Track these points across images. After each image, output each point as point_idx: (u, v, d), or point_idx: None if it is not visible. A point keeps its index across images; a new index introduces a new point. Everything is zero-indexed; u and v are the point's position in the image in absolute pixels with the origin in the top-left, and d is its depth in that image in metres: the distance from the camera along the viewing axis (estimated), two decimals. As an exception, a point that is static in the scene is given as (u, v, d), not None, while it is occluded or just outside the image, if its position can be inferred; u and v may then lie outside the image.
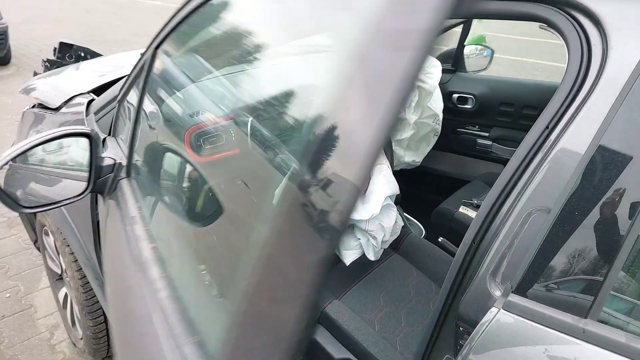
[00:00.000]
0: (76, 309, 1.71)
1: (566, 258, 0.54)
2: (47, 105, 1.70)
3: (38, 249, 2.08)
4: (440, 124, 1.85)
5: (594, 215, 0.53)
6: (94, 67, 2.03)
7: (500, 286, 0.61)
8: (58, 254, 1.73)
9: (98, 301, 1.54)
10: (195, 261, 0.96)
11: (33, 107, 1.85)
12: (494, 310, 0.57)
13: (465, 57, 2.16)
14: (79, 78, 1.83)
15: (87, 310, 1.58)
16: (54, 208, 1.12)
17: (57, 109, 1.62)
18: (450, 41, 2.20)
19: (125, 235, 0.96)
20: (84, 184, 1.10)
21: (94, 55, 2.36)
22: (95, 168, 1.08)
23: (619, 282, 0.52)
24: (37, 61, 6.68)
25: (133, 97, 1.20)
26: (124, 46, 7.36)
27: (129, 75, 1.26)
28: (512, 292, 0.57)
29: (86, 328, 1.62)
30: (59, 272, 1.85)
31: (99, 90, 1.66)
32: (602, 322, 0.51)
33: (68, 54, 2.31)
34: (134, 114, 1.12)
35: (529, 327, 0.54)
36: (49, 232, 1.72)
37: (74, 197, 1.09)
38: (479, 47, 2.20)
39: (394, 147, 1.77)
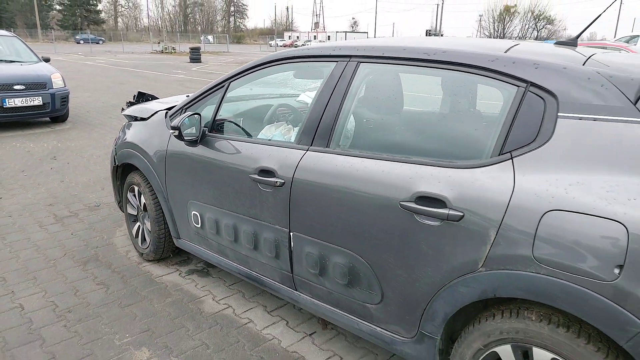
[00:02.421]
0: (147, 226, 3.05)
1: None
2: (138, 116, 3.12)
3: (120, 208, 3.44)
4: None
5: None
6: (158, 101, 3.48)
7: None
8: (139, 199, 3.09)
9: (164, 213, 2.88)
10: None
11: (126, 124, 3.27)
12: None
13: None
14: (152, 106, 3.26)
15: (156, 221, 2.92)
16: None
17: (147, 119, 3.04)
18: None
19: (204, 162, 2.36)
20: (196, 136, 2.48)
21: (155, 98, 3.83)
22: (201, 132, 2.48)
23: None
24: (86, 118, 8.40)
25: (208, 102, 2.59)
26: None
27: (199, 95, 2.67)
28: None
29: (154, 233, 2.95)
30: (135, 213, 3.20)
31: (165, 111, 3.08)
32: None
33: (142, 97, 3.78)
34: (216, 106, 2.50)
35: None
36: (135, 187, 3.08)
37: (195, 138, 2.47)
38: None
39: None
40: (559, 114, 1.51)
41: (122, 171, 3.27)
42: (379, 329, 1.94)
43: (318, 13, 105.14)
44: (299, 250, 2.10)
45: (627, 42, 17.23)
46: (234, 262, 2.53)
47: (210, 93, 2.59)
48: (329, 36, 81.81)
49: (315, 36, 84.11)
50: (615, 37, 19.36)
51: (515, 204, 1.48)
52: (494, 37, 70.09)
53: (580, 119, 1.47)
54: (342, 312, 2.06)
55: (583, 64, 1.56)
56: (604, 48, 14.44)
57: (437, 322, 1.71)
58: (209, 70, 21.36)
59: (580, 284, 1.36)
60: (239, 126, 2.64)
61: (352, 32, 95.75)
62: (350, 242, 1.90)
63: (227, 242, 2.49)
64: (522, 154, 1.53)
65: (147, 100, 3.66)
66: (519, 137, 1.56)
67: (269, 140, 2.32)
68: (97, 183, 4.78)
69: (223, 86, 2.52)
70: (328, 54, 2.15)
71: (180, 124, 2.40)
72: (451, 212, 1.59)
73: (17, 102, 6.86)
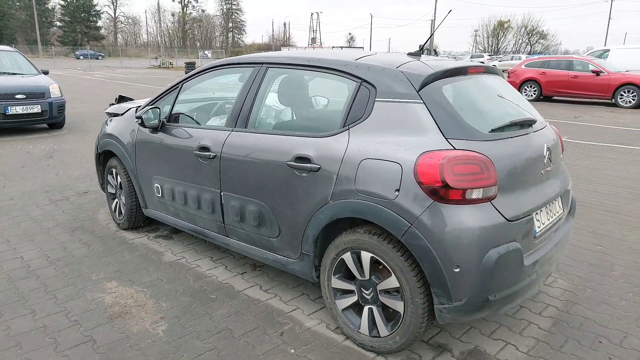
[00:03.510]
0: (122, 200, 3.83)
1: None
2: (116, 113, 3.92)
3: (103, 189, 4.22)
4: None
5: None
6: (134, 102, 4.29)
7: None
8: (116, 179, 3.87)
9: (134, 189, 3.66)
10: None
11: (109, 117, 4.07)
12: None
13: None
14: (128, 105, 4.07)
15: (129, 195, 3.70)
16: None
17: (122, 114, 3.84)
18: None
19: (177, 144, 3.16)
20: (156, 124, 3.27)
21: (132, 100, 4.63)
22: (160, 122, 3.27)
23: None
24: (81, 125, 9.20)
25: (167, 99, 3.39)
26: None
27: (161, 94, 3.48)
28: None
29: (127, 205, 3.74)
30: (114, 192, 3.98)
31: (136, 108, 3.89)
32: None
33: (122, 99, 4.59)
34: (172, 102, 3.31)
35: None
36: (113, 170, 3.87)
37: (156, 126, 3.26)
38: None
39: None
40: (376, 99, 2.32)
41: (104, 158, 4.06)
42: (278, 255, 2.72)
43: (315, 29, 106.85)
44: (227, 205, 2.89)
45: (599, 56, 18.32)
46: (185, 221, 3.32)
47: (169, 92, 3.40)
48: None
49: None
50: (604, 48, 20.57)
51: (346, 158, 2.28)
52: (488, 52, 71.60)
53: (387, 102, 2.28)
54: (256, 247, 2.84)
55: (397, 67, 2.37)
56: (568, 61, 15.37)
57: (309, 243, 2.49)
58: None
59: (377, 203, 2.15)
60: (191, 118, 3.44)
61: (349, 47, 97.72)
62: (257, 194, 2.69)
63: (180, 206, 3.28)
64: (354, 126, 2.34)
65: (126, 101, 4.47)
66: (354, 116, 2.37)
67: (209, 126, 3.13)
68: (87, 176, 5.57)
69: (177, 87, 3.33)
70: (248, 62, 2.98)
71: (142, 115, 3.20)
72: (313, 166, 2.39)
73: (19, 109, 7.68)
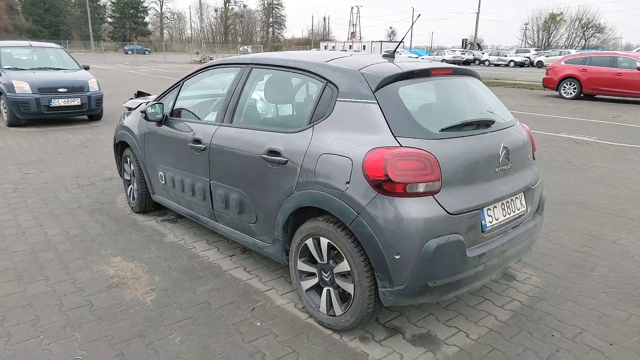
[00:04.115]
0: (134, 187, 4.23)
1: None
2: (131, 107, 4.32)
3: (121, 176, 4.65)
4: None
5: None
6: (150, 97, 4.68)
7: None
8: (130, 167, 4.27)
9: (144, 176, 4.04)
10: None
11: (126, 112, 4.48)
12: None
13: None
14: (141, 100, 4.45)
15: (139, 182, 4.09)
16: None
17: (134, 109, 4.23)
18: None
19: (176, 136, 3.50)
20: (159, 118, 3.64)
21: (148, 95, 5.03)
22: (163, 116, 3.63)
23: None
24: (118, 117, 9.81)
25: (170, 95, 3.75)
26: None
27: (166, 91, 3.85)
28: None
29: (138, 191, 4.13)
30: (129, 178, 4.39)
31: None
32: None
33: (141, 95, 5.00)
34: (175, 98, 3.66)
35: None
36: (127, 158, 4.28)
37: (159, 120, 3.63)
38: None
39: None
40: (337, 99, 2.54)
41: (120, 147, 4.47)
42: (256, 240, 2.99)
43: (355, 23, 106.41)
44: (215, 193, 3.20)
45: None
46: (184, 207, 3.65)
47: (173, 89, 3.74)
48: (364, 45, 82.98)
49: (350, 45, 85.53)
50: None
51: (308, 152, 2.52)
52: (537, 46, 69.00)
53: (347, 101, 2.50)
54: (239, 232, 3.13)
55: (359, 69, 2.57)
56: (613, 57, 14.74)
57: (280, 229, 2.75)
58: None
59: (331, 194, 2.38)
60: (192, 113, 3.77)
61: (389, 41, 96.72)
62: (239, 183, 2.98)
63: (179, 192, 3.61)
64: (318, 123, 2.57)
65: (144, 96, 4.87)
66: (318, 114, 2.60)
67: (204, 120, 3.44)
68: (114, 165, 6.04)
69: (179, 85, 3.67)
70: (237, 62, 3.26)
71: (146, 110, 3.56)
72: (282, 159, 2.64)
73: (61, 102, 8.35)
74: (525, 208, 2.78)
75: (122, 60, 39.91)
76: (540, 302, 2.97)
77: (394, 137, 2.31)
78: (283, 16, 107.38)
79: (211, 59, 44.83)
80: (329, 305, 2.59)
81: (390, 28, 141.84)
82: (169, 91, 3.78)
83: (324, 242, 2.51)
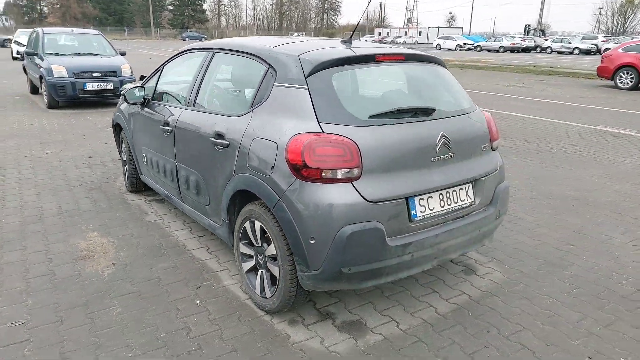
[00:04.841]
0: (127, 168, 4.46)
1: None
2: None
3: (120, 157, 4.90)
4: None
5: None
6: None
7: None
8: (123, 148, 4.51)
9: (134, 158, 4.25)
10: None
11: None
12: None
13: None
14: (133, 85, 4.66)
15: (129, 162, 4.31)
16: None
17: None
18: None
19: (152, 118, 3.67)
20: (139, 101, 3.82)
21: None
22: (144, 99, 3.81)
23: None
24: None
25: (153, 80, 3.92)
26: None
27: (150, 75, 4.02)
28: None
29: (129, 170, 4.36)
30: (125, 159, 4.63)
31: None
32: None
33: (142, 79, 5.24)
34: (155, 83, 3.83)
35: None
36: (122, 139, 4.51)
37: (140, 102, 3.81)
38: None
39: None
40: (274, 83, 2.56)
41: (118, 129, 4.72)
42: (211, 221, 3.09)
43: (412, 8, 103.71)
44: (180, 174, 3.32)
45: None
46: (160, 187, 3.82)
47: (155, 73, 3.89)
48: (420, 32, 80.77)
49: (405, 32, 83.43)
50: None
51: (245, 136, 2.56)
52: (610, 33, 64.31)
53: (282, 86, 2.51)
54: (198, 213, 3.24)
55: (299, 54, 2.57)
56: None
57: (225, 211, 2.83)
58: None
59: (259, 178, 2.43)
60: (172, 96, 3.91)
61: (448, 27, 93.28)
62: (195, 165, 3.08)
63: (156, 173, 3.78)
64: (256, 108, 2.60)
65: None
66: (259, 98, 2.63)
67: (174, 104, 3.56)
68: (129, 146, 6.39)
69: (160, 70, 3.81)
70: (204, 47, 3.35)
71: (125, 93, 3.73)
72: (224, 142, 2.71)
73: (94, 86, 8.86)
74: (472, 200, 2.69)
75: (177, 47, 41.34)
76: (491, 297, 2.88)
77: (318, 123, 2.31)
78: (338, 2, 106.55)
79: (261, 45, 45.55)
80: (262, 287, 2.65)
81: (450, 13, 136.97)
82: (152, 75, 3.94)
83: (257, 225, 2.57)
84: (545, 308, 2.77)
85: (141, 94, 3.77)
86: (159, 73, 3.83)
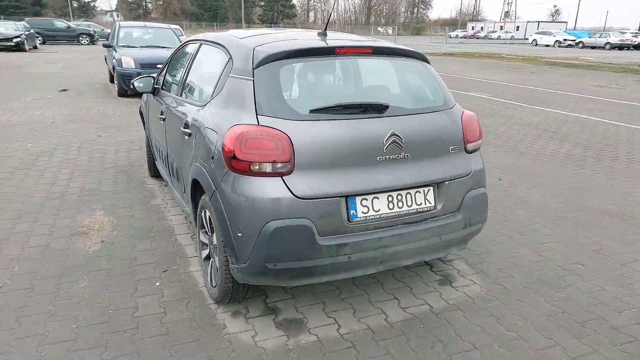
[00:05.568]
0: (147, 153, 4.74)
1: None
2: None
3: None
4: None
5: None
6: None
7: None
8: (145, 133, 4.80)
9: (150, 144, 4.52)
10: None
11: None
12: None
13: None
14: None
15: (147, 147, 4.58)
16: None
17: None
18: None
19: (157, 107, 3.89)
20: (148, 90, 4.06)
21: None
22: (153, 88, 4.04)
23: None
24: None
25: (164, 70, 4.14)
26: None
27: (163, 67, 4.23)
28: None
29: (148, 156, 4.63)
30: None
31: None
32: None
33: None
34: (164, 73, 4.05)
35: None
36: (144, 126, 4.80)
37: (150, 91, 4.05)
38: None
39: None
40: (229, 74, 2.57)
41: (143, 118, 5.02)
42: (187, 207, 3.20)
43: (510, 1, 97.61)
44: (169, 161, 3.47)
45: None
46: (163, 172, 4.01)
47: (166, 65, 4.09)
48: (517, 26, 75.72)
49: (501, 27, 78.64)
50: None
51: (200, 126, 2.62)
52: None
53: (234, 77, 2.51)
54: (181, 200, 3.37)
55: (255, 46, 2.54)
56: None
57: (190, 200, 2.91)
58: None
59: (203, 167, 2.46)
60: (172, 85, 4.07)
61: (551, 22, 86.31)
62: (175, 153, 3.20)
63: (159, 159, 3.98)
64: (214, 98, 2.64)
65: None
66: (218, 89, 2.66)
67: (170, 94, 3.71)
68: (172, 134, 6.78)
69: (168, 62, 3.99)
70: (195, 40, 3.46)
71: (134, 82, 3.96)
72: (188, 131, 2.78)
73: (158, 77, 9.47)
74: (432, 204, 2.50)
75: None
76: (454, 311, 2.67)
77: (256, 115, 2.29)
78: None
79: (344, 40, 45.54)
80: (212, 276, 2.69)
81: (555, 7, 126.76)
82: (164, 66, 4.14)
83: (207, 215, 2.61)
84: (511, 330, 2.51)
85: (149, 83, 3.98)
86: (167, 64, 4.01)
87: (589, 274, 3.12)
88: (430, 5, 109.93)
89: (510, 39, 64.10)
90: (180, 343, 2.34)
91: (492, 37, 66.25)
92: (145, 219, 3.82)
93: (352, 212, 2.30)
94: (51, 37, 28.69)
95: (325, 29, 2.83)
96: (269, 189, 2.19)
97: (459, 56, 27.62)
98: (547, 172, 5.40)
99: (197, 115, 2.74)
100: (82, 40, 29.41)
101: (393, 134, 2.36)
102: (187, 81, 3.29)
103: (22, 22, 24.48)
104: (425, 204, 2.48)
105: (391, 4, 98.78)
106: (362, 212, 2.32)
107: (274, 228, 2.17)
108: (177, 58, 3.89)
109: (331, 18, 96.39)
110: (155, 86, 4.00)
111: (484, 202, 2.74)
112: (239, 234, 2.23)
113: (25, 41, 21.66)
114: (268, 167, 2.20)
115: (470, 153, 2.69)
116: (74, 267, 3.02)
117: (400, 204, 2.41)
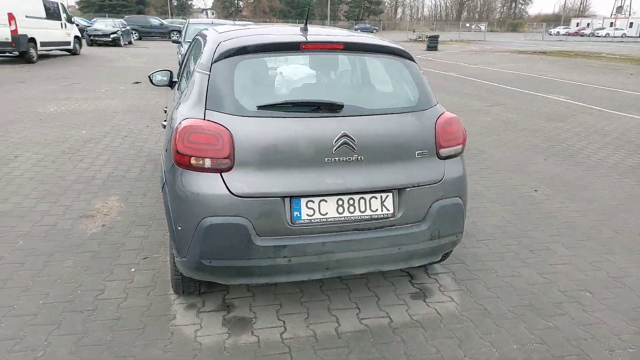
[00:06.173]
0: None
1: None
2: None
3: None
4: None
5: None
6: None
7: None
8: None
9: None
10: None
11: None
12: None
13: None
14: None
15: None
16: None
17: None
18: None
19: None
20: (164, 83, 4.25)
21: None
22: (169, 81, 4.22)
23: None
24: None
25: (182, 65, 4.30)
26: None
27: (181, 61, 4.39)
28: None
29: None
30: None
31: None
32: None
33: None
34: (181, 71, 4.21)
35: None
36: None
37: (165, 84, 4.25)
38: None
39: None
40: (196, 69, 2.58)
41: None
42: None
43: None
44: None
45: None
46: None
47: (183, 61, 4.23)
48: (631, 23, 68.44)
49: (611, 23, 71.55)
50: None
51: (171, 119, 2.66)
52: None
53: (197, 72, 2.52)
54: (172, 190, 3.47)
55: (221, 41, 2.51)
56: None
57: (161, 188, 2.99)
58: (430, 57, 22.27)
59: (164, 160, 2.51)
60: (183, 79, 4.19)
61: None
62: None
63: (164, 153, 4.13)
64: (184, 93, 2.66)
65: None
66: (189, 83, 2.68)
67: (180, 87, 3.83)
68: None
69: (185, 55, 4.13)
70: (200, 35, 3.51)
71: (150, 75, 4.13)
72: (164, 123, 2.85)
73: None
74: (391, 212, 2.33)
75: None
76: (415, 329, 2.47)
77: (205, 109, 2.28)
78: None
79: (427, 37, 44.12)
80: (171, 267, 2.74)
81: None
82: (182, 61, 4.29)
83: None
84: (471, 356, 2.27)
85: (165, 77, 4.14)
86: (186, 57, 4.15)
87: (593, 303, 2.73)
88: (530, 0, 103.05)
89: (621, 36, 58.07)
90: (126, 329, 2.41)
91: (599, 35, 60.50)
92: (150, 207, 3.99)
93: (295, 213, 2.21)
94: (146, 34, 31.14)
95: (306, 24, 2.74)
96: (207, 184, 2.18)
97: (552, 55, 25.64)
98: (596, 186, 4.81)
99: (173, 109, 2.80)
100: (172, 36, 31.54)
101: (344, 135, 2.23)
102: (181, 75, 3.38)
103: (120, 20, 26.82)
104: (382, 210, 2.32)
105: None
106: (307, 215, 2.22)
107: (208, 224, 2.15)
108: (187, 52, 4.00)
109: (420, 14, 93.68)
110: (172, 80, 4.15)
111: (459, 213, 2.50)
112: (179, 228, 2.25)
113: (121, 37, 23.70)
114: (207, 163, 2.18)
115: (445, 159, 2.46)
116: (68, 247, 3.23)
117: (351, 209, 2.28)
